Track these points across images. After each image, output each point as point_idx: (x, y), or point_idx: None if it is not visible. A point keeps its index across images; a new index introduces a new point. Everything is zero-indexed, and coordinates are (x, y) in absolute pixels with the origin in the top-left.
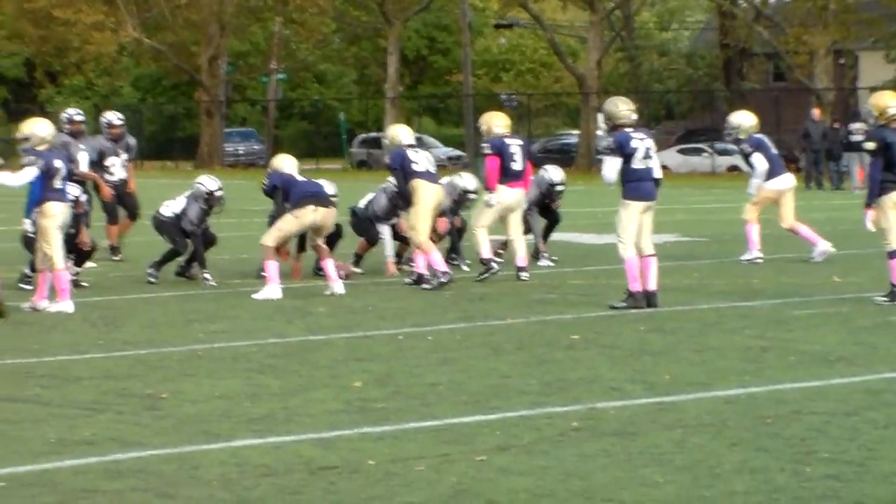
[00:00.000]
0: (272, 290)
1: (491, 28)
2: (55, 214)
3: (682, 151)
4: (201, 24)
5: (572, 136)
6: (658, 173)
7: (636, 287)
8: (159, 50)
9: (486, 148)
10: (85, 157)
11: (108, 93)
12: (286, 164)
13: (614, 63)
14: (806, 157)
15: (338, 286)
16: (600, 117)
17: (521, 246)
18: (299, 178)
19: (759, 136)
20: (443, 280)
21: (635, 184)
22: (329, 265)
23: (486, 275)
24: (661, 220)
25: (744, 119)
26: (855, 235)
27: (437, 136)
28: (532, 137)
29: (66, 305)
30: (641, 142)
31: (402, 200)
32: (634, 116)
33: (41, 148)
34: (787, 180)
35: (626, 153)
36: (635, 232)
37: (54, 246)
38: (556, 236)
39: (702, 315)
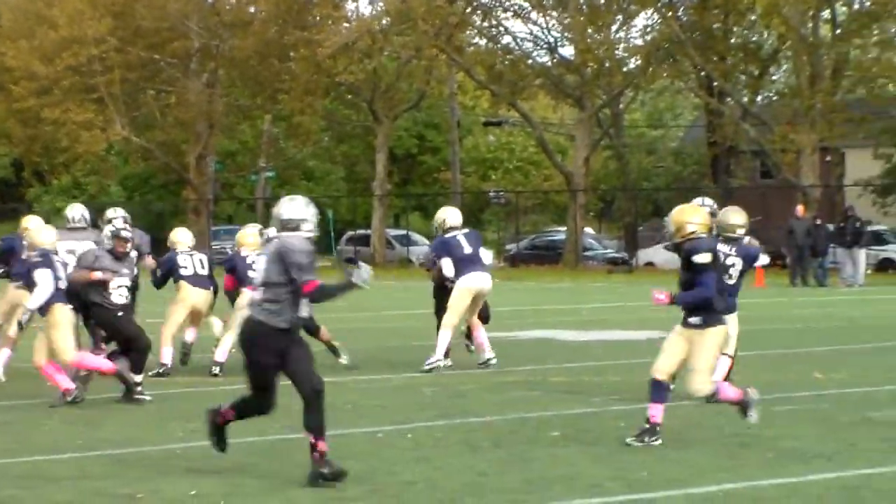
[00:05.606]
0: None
1: (480, 126)
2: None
3: (668, 248)
4: (190, 122)
5: (559, 233)
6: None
7: None
8: (148, 149)
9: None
10: None
11: (96, 192)
12: None
13: (603, 161)
14: (790, 253)
15: None
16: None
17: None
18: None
19: None
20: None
21: None
22: None
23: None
24: (641, 318)
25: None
26: (837, 331)
27: (425, 234)
28: (520, 234)
29: None
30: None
31: None
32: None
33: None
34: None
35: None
36: None
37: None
38: (539, 333)
39: (683, 413)
